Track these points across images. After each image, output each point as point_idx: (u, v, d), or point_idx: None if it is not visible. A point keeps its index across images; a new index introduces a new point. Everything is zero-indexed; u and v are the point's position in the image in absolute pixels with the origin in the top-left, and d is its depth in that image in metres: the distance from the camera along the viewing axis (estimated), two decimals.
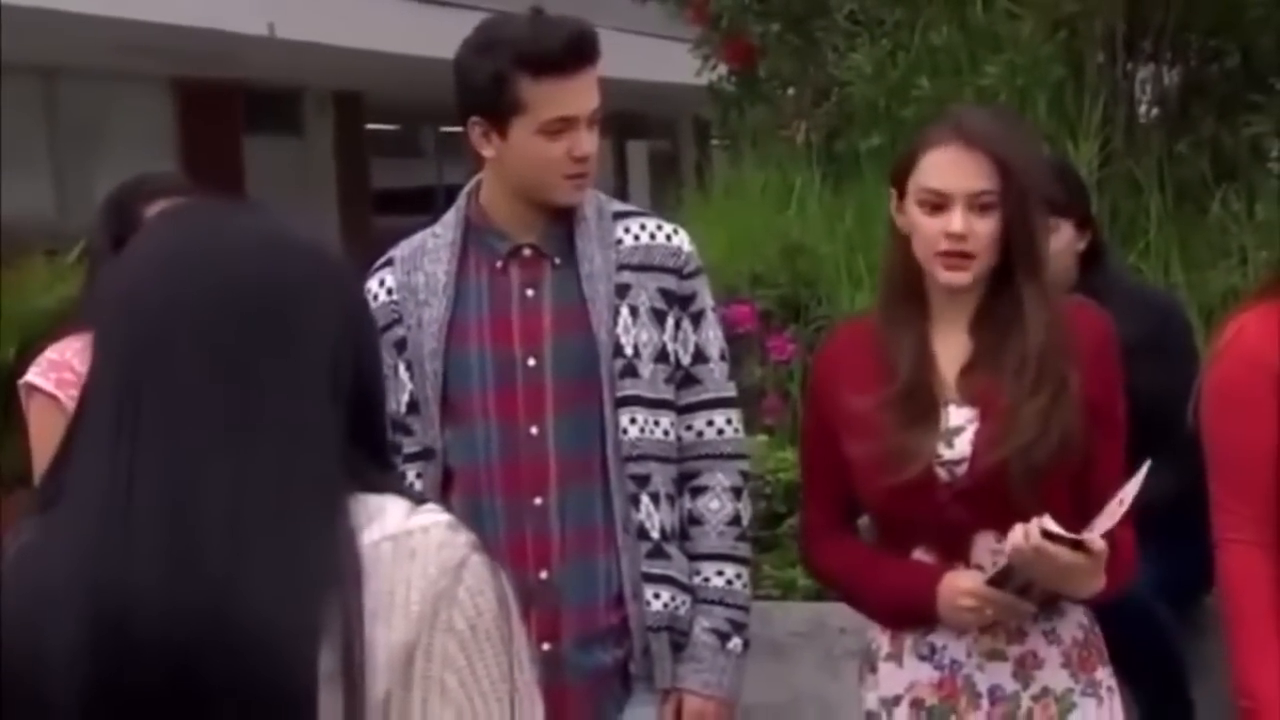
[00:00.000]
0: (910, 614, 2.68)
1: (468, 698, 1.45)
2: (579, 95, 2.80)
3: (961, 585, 2.59)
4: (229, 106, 15.57)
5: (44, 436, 3.25)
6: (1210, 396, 2.67)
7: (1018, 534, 2.48)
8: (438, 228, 2.95)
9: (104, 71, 14.13)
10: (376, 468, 1.53)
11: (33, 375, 3.36)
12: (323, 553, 1.43)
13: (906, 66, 6.10)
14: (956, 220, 2.60)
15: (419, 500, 1.52)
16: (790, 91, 7.26)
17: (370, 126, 18.45)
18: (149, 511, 1.43)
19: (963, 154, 2.62)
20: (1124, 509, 2.49)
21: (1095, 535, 2.47)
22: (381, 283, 2.93)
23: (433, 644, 1.44)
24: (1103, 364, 2.66)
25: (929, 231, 2.63)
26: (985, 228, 2.61)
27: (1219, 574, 2.68)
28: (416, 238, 2.97)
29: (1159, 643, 3.66)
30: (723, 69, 7.69)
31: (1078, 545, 2.46)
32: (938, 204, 2.62)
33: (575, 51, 2.79)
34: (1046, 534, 2.46)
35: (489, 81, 2.79)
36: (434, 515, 1.49)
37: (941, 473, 2.62)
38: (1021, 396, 2.60)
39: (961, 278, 2.63)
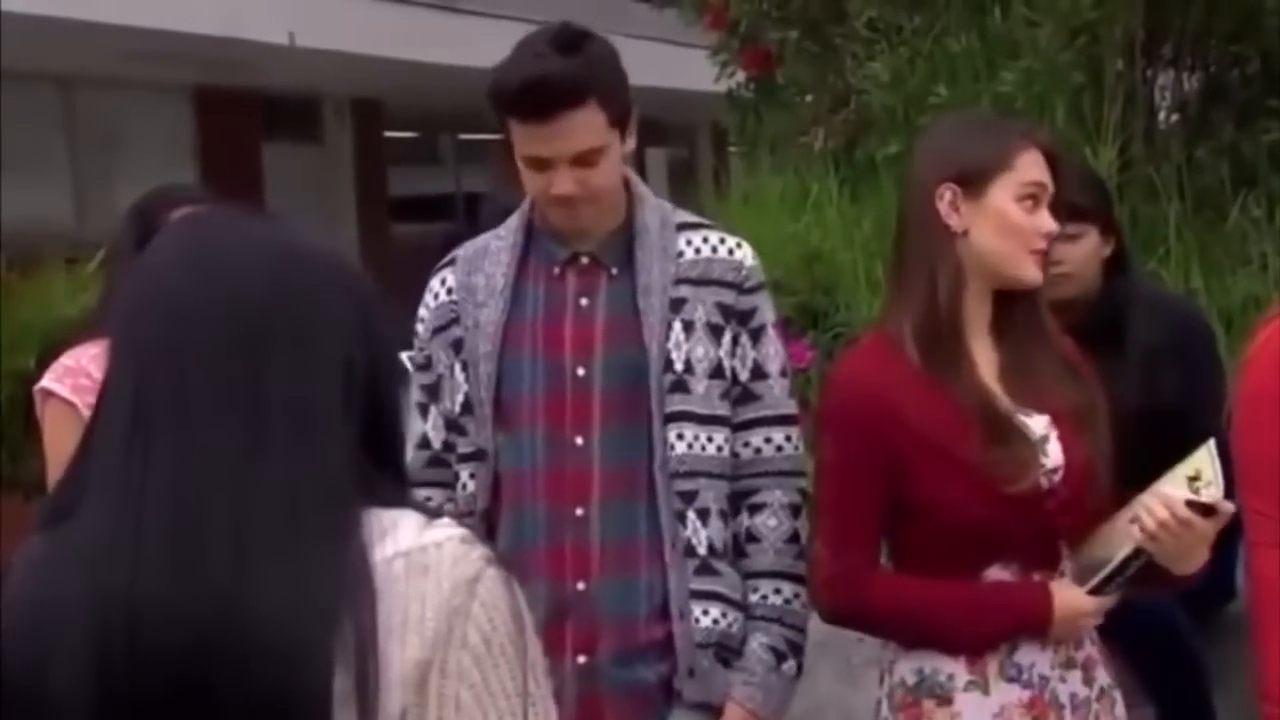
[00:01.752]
0: (1014, 635, 2.62)
1: (482, 712, 1.45)
2: (553, 140, 2.71)
3: (1085, 608, 2.62)
4: (249, 115, 15.61)
5: (58, 442, 3.23)
6: (1240, 401, 2.67)
7: (1160, 510, 2.52)
8: (501, 230, 2.92)
9: (123, 80, 14.17)
10: (391, 481, 1.52)
11: (48, 381, 3.34)
12: (332, 565, 1.42)
13: (924, 74, 6.09)
14: (1051, 220, 2.64)
15: (433, 514, 1.51)
16: (808, 98, 7.25)
17: (389, 134, 18.48)
18: (159, 520, 1.43)
19: (1040, 158, 2.67)
20: (1221, 480, 2.54)
21: (1224, 500, 2.51)
22: (443, 282, 2.91)
23: (448, 660, 1.44)
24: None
25: (1028, 227, 2.64)
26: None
27: (1248, 578, 2.67)
28: (481, 239, 2.94)
29: (1179, 649, 3.65)
30: (741, 76, 7.69)
31: (1208, 511, 2.51)
32: (1038, 197, 2.65)
33: (542, 98, 2.69)
34: (1188, 503, 2.51)
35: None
36: (447, 530, 1.49)
37: (1044, 481, 2.61)
38: (1077, 397, 2.65)
39: (1040, 274, 2.67)
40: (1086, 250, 3.68)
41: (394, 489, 1.52)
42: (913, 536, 2.67)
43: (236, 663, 1.40)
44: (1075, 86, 5.79)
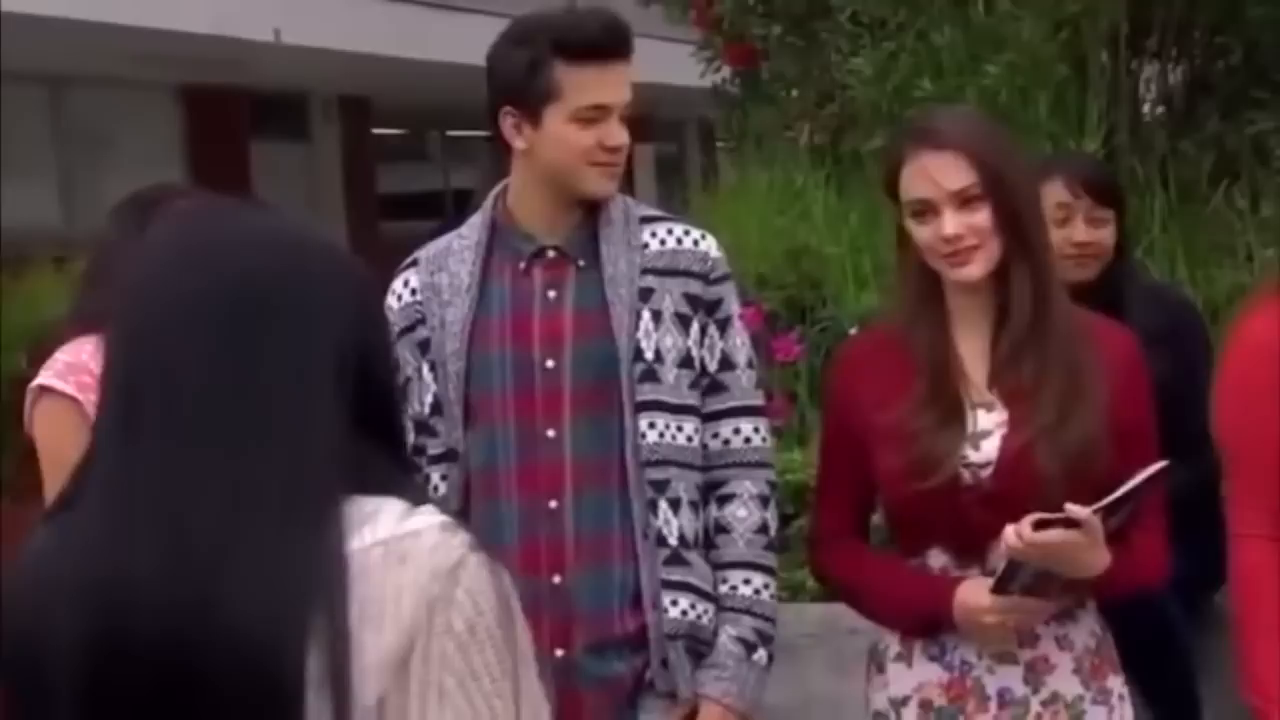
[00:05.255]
0: (926, 626, 2.68)
1: (467, 699, 1.45)
2: (613, 85, 2.80)
3: (980, 604, 2.60)
4: (236, 112, 15.58)
5: (58, 440, 3.15)
6: (1222, 389, 2.68)
7: (1010, 535, 2.51)
8: (464, 229, 2.93)
9: (111, 79, 14.14)
10: (390, 467, 1.53)
11: (47, 378, 3.26)
12: (308, 554, 1.44)
13: (909, 68, 6.10)
14: (947, 224, 2.62)
15: (419, 501, 1.51)
16: (794, 93, 7.26)
17: (377, 131, 18.45)
18: (148, 508, 1.45)
19: (934, 157, 2.64)
20: (1119, 493, 2.51)
21: (1079, 508, 2.49)
22: (406, 283, 2.92)
23: (430, 647, 1.45)
24: (1132, 382, 2.67)
25: (926, 239, 2.66)
26: (978, 220, 2.63)
27: (1232, 569, 2.68)
28: (443, 240, 2.95)
29: (1169, 641, 3.66)
30: (726, 71, 7.70)
31: (1069, 523, 2.49)
32: (926, 211, 2.65)
33: (612, 40, 2.80)
34: (1038, 523, 2.48)
35: (524, 68, 2.79)
36: (428, 518, 1.49)
37: (965, 475, 2.63)
38: (1038, 381, 2.62)
39: (971, 270, 2.65)
40: (1112, 235, 3.77)
41: (390, 473, 1.53)
42: (882, 510, 2.81)
43: (214, 648, 1.42)
44: (1059, 79, 5.80)
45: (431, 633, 1.45)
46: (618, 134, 2.80)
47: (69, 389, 3.21)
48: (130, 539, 1.44)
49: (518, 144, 2.83)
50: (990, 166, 2.63)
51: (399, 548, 1.46)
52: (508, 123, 2.83)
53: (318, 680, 1.42)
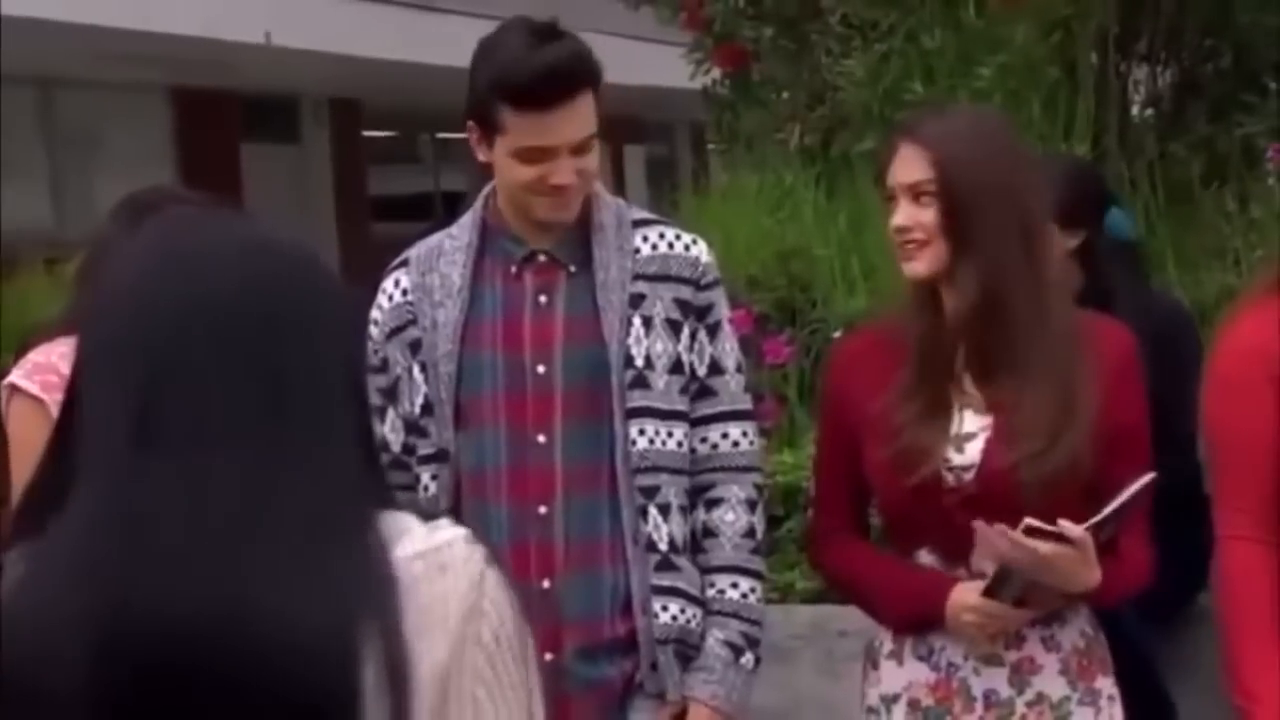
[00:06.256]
0: (918, 622, 2.70)
1: (494, 708, 1.46)
2: (557, 127, 2.74)
3: (968, 602, 2.61)
4: (226, 115, 15.58)
5: (27, 440, 3.14)
6: (1209, 390, 2.68)
7: (985, 528, 2.54)
8: (454, 229, 2.93)
9: (101, 81, 14.14)
10: (385, 483, 1.53)
11: (17, 377, 3.27)
12: (352, 563, 1.41)
13: (899, 71, 6.11)
14: (900, 213, 2.66)
15: (428, 515, 1.51)
16: (784, 95, 7.27)
17: (367, 133, 18.46)
18: (160, 524, 1.39)
19: (904, 149, 2.68)
20: (1110, 509, 2.52)
21: (1073, 525, 2.50)
22: (396, 283, 2.92)
23: (464, 658, 1.45)
24: (1126, 384, 2.68)
25: (889, 227, 2.70)
26: (926, 217, 2.64)
27: (1219, 571, 2.68)
28: (433, 239, 2.95)
29: (1123, 643, 3.66)
30: (717, 73, 7.70)
31: (1060, 537, 2.50)
32: (891, 199, 2.69)
33: (555, 85, 2.73)
34: (1029, 529, 2.50)
35: (478, 95, 2.79)
36: (451, 530, 1.49)
37: (949, 477, 2.64)
38: (1023, 398, 2.63)
39: (914, 267, 2.67)
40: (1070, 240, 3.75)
41: (389, 489, 1.53)
42: (876, 509, 2.84)
43: (254, 662, 1.37)
44: (1050, 81, 5.81)
45: (466, 643, 1.45)
46: (563, 173, 2.76)
47: (33, 388, 3.23)
48: (146, 559, 1.39)
49: (481, 156, 2.85)
50: (945, 165, 2.63)
51: (437, 558, 1.46)
52: (473, 135, 2.84)
53: (373, 693, 1.39)
